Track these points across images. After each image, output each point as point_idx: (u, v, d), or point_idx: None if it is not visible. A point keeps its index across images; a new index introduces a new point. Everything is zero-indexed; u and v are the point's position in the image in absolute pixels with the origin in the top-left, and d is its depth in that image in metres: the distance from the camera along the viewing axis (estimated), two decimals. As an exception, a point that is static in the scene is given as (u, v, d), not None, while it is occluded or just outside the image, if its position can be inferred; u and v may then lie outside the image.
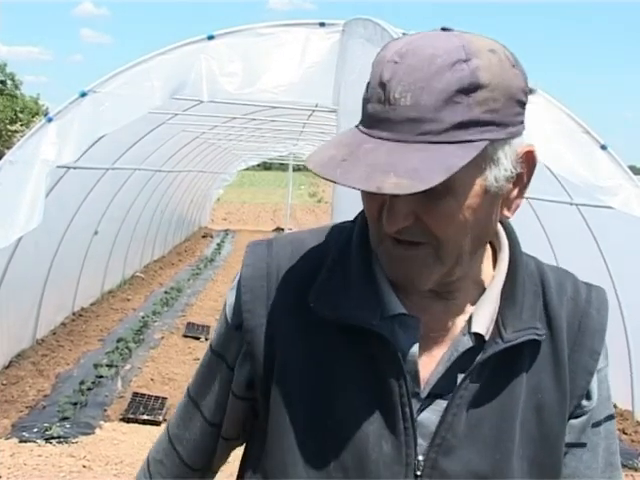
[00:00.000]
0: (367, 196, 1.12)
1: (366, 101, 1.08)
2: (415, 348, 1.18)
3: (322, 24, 5.18)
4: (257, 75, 5.08)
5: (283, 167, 33.72)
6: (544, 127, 5.30)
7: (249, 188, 53.42)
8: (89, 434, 6.31)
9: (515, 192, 1.18)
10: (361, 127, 1.08)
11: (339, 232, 1.29)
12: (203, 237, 23.65)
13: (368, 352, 1.17)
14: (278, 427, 1.21)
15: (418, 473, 1.16)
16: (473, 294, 1.23)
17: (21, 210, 5.10)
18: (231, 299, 1.30)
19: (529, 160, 1.17)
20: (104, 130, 5.50)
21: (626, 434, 7.06)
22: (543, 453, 1.23)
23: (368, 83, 1.10)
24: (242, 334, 1.26)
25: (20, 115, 40.88)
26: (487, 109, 1.04)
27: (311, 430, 1.18)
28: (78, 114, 5.47)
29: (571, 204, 7.60)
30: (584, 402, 1.31)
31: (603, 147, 5.53)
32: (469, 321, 1.21)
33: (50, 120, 5.54)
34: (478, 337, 1.19)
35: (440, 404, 1.18)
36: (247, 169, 26.62)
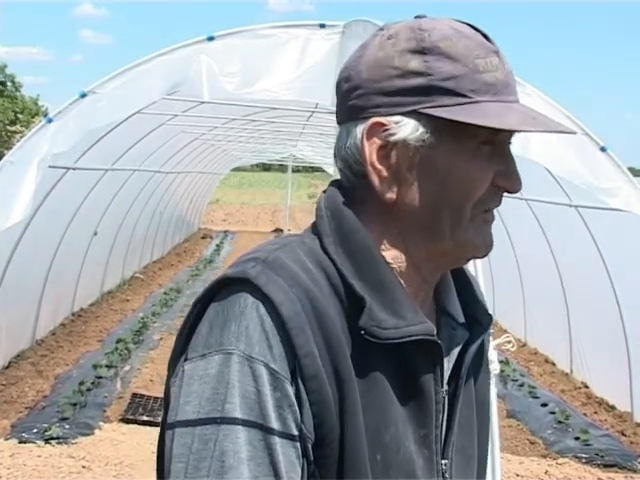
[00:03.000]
0: (485, 168, 1.11)
1: (477, 72, 1.08)
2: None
3: (322, 25, 5.17)
4: (257, 75, 5.07)
5: (282, 168, 33.73)
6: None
7: (248, 189, 53.45)
8: (88, 435, 6.31)
9: None
10: (482, 97, 1.09)
11: (317, 246, 1.14)
12: (202, 238, 23.67)
13: (409, 366, 1.12)
14: (358, 473, 1.06)
15: (447, 476, 1.18)
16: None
17: (14, 207, 5.10)
18: (270, 352, 1.02)
19: None
20: (98, 123, 5.49)
21: (625, 435, 7.05)
22: (480, 420, 1.27)
23: (450, 58, 1.08)
24: (297, 386, 1.02)
25: (20, 116, 40.89)
26: None
27: (373, 468, 1.08)
28: (78, 114, 5.47)
29: (570, 206, 7.61)
30: None
31: (603, 149, 5.53)
32: (447, 314, 1.22)
33: (50, 121, 5.53)
34: (462, 328, 1.22)
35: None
36: (246, 170, 26.71)
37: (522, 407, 7.70)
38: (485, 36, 1.13)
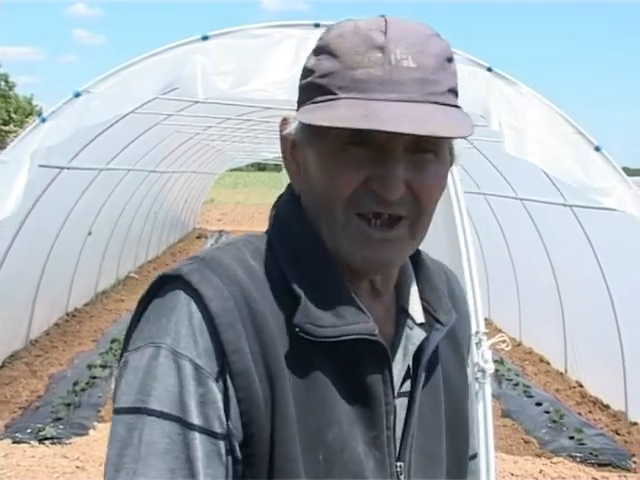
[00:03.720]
0: (349, 170, 1.07)
1: (348, 69, 1.05)
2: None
3: (317, 25, 5.17)
4: (251, 74, 5.07)
5: (277, 168, 33.75)
6: (538, 128, 5.31)
7: (243, 189, 53.42)
8: (83, 435, 6.30)
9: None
10: (347, 94, 1.05)
11: (264, 242, 1.16)
12: (197, 238, 23.64)
13: (353, 366, 1.10)
14: (288, 473, 1.05)
15: (402, 478, 1.15)
16: (394, 281, 1.22)
17: (4, 203, 5.10)
18: (195, 348, 1.03)
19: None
20: (91, 121, 5.48)
21: (619, 435, 7.07)
22: (451, 426, 1.25)
23: (332, 54, 1.08)
24: (225, 382, 1.03)
25: (14, 116, 40.83)
26: (456, 82, 1.11)
27: (314, 468, 1.07)
28: (71, 114, 5.46)
29: (565, 205, 7.63)
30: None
31: (597, 148, 5.55)
32: (405, 313, 1.20)
33: (44, 120, 5.52)
34: (420, 327, 1.20)
35: (400, 401, 1.17)
36: (241, 170, 26.71)
37: (517, 406, 7.71)
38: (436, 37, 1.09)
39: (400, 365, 1.17)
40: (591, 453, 6.52)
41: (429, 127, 1.00)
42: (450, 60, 1.10)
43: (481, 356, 2.92)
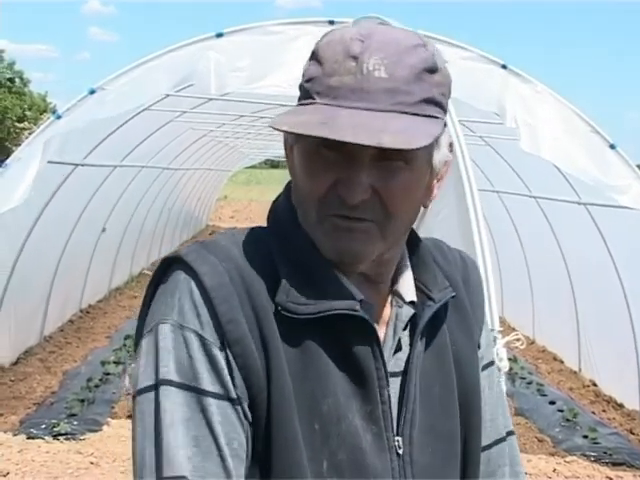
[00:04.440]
0: (320, 171, 1.13)
1: (326, 76, 1.11)
2: (379, 331, 1.19)
3: (331, 22, 5.18)
4: (265, 70, 5.08)
5: (290, 165, 33.64)
6: (553, 126, 5.29)
7: (256, 186, 53.44)
8: (96, 431, 6.32)
9: (435, 180, 1.24)
10: (322, 100, 1.10)
11: (261, 232, 1.25)
12: (210, 235, 23.68)
13: (343, 343, 1.16)
14: (284, 443, 1.11)
15: (400, 452, 1.18)
16: (391, 273, 1.26)
17: (16, 193, 5.13)
18: (198, 320, 1.11)
19: (451, 151, 1.24)
20: (105, 114, 5.50)
21: (633, 434, 7.03)
22: (464, 402, 1.28)
23: (318, 61, 1.13)
24: (226, 351, 1.10)
25: (28, 113, 40.99)
26: (439, 92, 1.13)
27: (310, 437, 1.12)
28: (86, 110, 5.49)
29: (579, 203, 7.60)
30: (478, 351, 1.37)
31: (612, 146, 5.52)
32: (396, 294, 1.25)
33: (59, 117, 5.56)
34: (409, 305, 1.25)
35: (395, 380, 1.21)
36: (254, 167, 26.72)
37: (530, 405, 7.68)
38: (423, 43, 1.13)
39: (390, 342, 1.22)
40: (605, 452, 6.49)
41: (378, 137, 1.03)
42: (432, 71, 1.12)
43: (496, 354, 2.91)
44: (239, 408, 1.10)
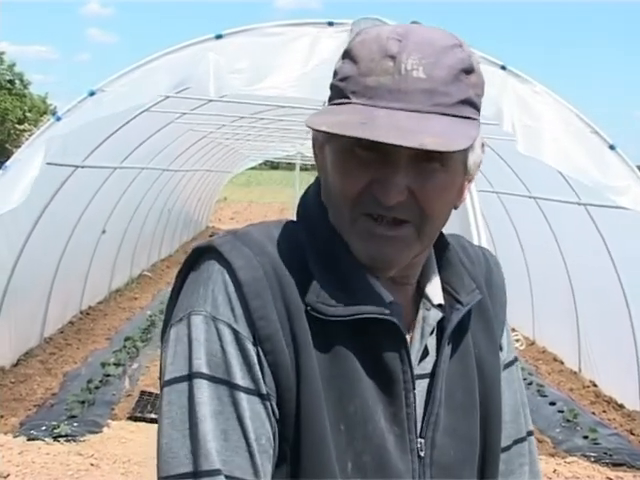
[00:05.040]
0: (355, 171, 1.12)
1: (362, 75, 1.09)
2: (406, 334, 1.19)
3: (330, 23, 5.18)
4: (265, 72, 5.08)
5: (290, 166, 33.72)
6: (553, 127, 5.29)
7: (256, 187, 53.48)
8: (97, 432, 6.32)
9: (467, 181, 1.23)
10: (358, 99, 1.09)
11: (293, 227, 1.23)
12: (210, 236, 23.51)
13: (371, 345, 1.15)
14: (313, 442, 1.10)
15: (421, 454, 1.18)
16: (418, 275, 1.26)
17: (14, 194, 5.13)
18: (232, 313, 1.10)
19: (483, 152, 1.24)
20: (103, 113, 5.50)
21: (634, 434, 7.04)
22: (484, 405, 1.28)
23: (353, 59, 1.12)
24: (257, 347, 1.10)
25: (28, 114, 40.99)
26: (475, 93, 1.13)
27: (336, 438, 1.12)
28: (86, 112, 5.49)
29: (579, 204, 7.60)
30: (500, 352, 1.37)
31: (612, 147, 5.52)
32: (424, 296, 1.24)
33: (59, 119, 5.56)
34: (437, 308, 1.24)
35: (420, 382, 1.20)
36: (254, 168, 26.73)
37: (530, 405, 7.49)
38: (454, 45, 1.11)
39: (418, 345, 1.21)
40: (605, 453, 6.50)
41: (419, 139, 1.02)
42: (468, 72, 1.11)
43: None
44: (268, 404, 1.10)
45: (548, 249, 9.31)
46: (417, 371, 1.20)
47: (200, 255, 1.17)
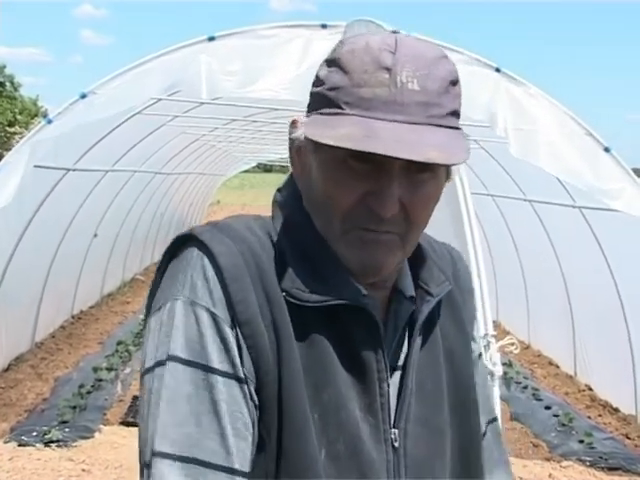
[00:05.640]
0: (348, 183, 1.13)
1: (355, 86, 1.11)
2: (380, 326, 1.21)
3: (324, 26, 5.18)
4: (257, 74, 5.09)
5: (284, 169, 33.71)
6: (547, 130, 5.30)
7: (249, 190, 53.43)
8: (88, 438, 6.31)
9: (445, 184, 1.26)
10: (352, 110, 1.10)
11: (269, 221, 1.26)
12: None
13: (346, 334, 1.17)
14: (296, 428, 1.11)
15: (396, 445, 1.20)
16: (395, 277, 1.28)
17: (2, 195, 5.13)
18: (210, 297, 1.11)
19: None
20: (94, 116, 5.49)
21: (629, 439, 7.05)
22: (456, 398, 1.30)
23: (343, 69, 1.13)
24: (236, 330, 1.10)
25: (19, 117, 40.89)
26: (459, 103, 1.15)
27: (318, 424, 1.13)
28: (77, 115, 5.48)
29: (574, 207, 7.61)
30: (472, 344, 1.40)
31: (607, 149, 5.53)
32: (397, 291, 1.27)
33: (50, 122, 5.54)
34: (409, 301, 1.27)
35: (394, 374, 1.23)
36: (247, 171, 26.72)
37: (525, 410, 7.69)
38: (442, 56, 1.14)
39: (391, 337, 1.24)
40: (601, 457, 6.51)
41: (425, 152, 1.05)
42: (455, 83, 1.14)
43: (489, 359, 2.91)
44: (246, 388, 1.10)
45: (543, 252, 9.32)
46: (392, 363, 1.22)
47: (181, 244, 1.20)
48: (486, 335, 3.00)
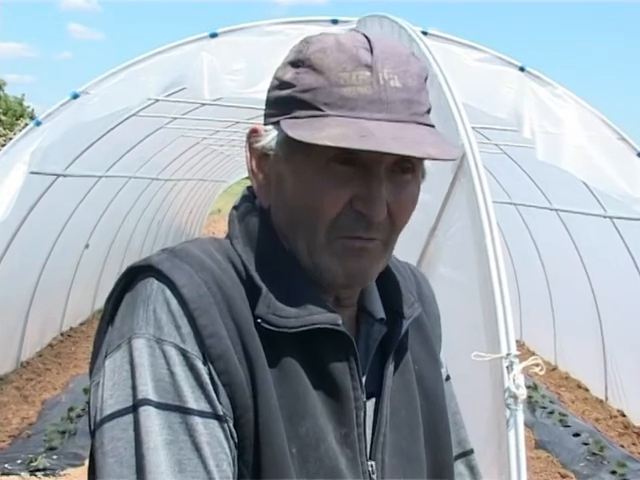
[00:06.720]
0: (333, 189, 1.14)
1: (334, 86, 1.13)
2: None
3: (335, 21, 5.21)
4: (262, 74, 5.10)
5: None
6: (575, 133, 5.30)
7: (253, 198, 53.43)
8: (78, 466, 6.30)
9: None
10: (334, 111, 1.12)
11: (228, 243, 1.24)
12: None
13: (321, 360, 1.18)
14: (274, 465, 1.11)
15: (374, 477, 1.21)
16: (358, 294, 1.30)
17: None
18: (178, 332, 1.09)
19: None
20: (86, 118, 5.50)
21: None
22: (429, 424, 1.32)
23: (315, 70, 1.14)
24: (209, 366, 1.09)
25: (3, 118, 41.02)
26: (429, 101, 1.20)
27: (291, 459, 1.13)
28: (68, 117, 5.50)
29: (605, 217, 7.59)
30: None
31: (640, 155, 5.53)
32: (365, 312, 1.29)
33: (39, 124, 5.57)
34: (380, 323, 1.28)
35: (367, 402, 1.24)
36: (247, 178, 26.58)
37: (552, 437, 7.66)
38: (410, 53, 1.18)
39: (364, 361, 1.24)
40: (634, 489, 6.48)
41: (423, 148, 1.09)
42: (426, 79, 1.19)
43: (512, 381, 2.91)
44: (226, 426, 1.09)
45: (571, 265, 9.29)
46: (365, 389, 1.23)
47: (135, 275, 1.16)
48: (509, 355, 2.99)
